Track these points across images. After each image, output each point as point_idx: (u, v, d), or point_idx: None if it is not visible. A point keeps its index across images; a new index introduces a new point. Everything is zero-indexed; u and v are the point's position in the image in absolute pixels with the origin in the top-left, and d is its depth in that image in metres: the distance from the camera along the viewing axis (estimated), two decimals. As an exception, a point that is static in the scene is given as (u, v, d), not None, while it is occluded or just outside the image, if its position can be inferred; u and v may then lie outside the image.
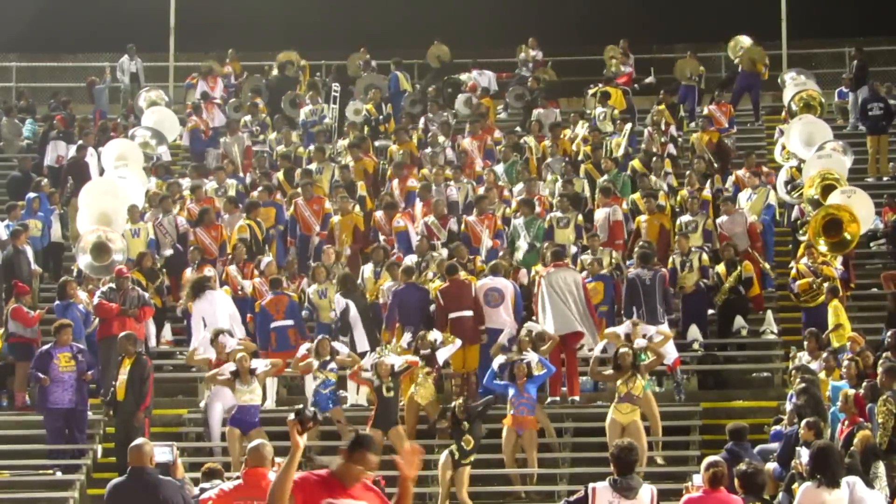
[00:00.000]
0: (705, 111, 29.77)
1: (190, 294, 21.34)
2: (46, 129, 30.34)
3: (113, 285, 21.16)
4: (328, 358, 19.81)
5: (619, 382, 18.76)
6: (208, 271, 22.28)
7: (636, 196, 24.40)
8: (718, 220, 23.67)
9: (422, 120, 29.81)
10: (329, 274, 22.22)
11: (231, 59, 33.82)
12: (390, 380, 18.98)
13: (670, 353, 20.60)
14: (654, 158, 25.94)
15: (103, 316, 20.97)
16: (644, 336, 19.61)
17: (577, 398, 20.59)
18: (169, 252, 23.95)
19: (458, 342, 20.27)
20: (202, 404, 20.98)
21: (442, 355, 20.08)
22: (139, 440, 11.61)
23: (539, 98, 30.99)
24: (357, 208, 24.53)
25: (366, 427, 19.01)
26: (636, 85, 32.69)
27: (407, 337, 20.70)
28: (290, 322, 21.12)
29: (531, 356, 19.20)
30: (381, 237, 24.05)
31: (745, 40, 32.14)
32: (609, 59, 33.02)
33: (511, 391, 18.99)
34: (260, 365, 19.36)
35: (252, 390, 19.04)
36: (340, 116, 30.47)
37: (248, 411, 19.01)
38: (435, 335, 20.16)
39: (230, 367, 19.20)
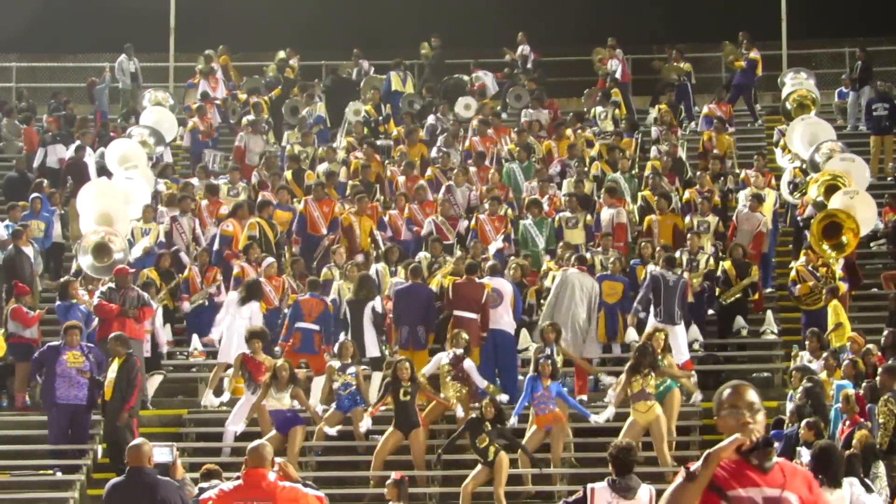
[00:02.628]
0: (705, 109, 29.76)
1: (245, 295, 21.21)
2: (42, 131, 30.30)
3: (112, 285, 21.13)
4: (349, 361, 19.82)
5: (633, 381, 18.62)
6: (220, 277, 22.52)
7: (647, 193, 24.43)
8: (738, 209, 23.74)
9: (430, 118, 29.75)
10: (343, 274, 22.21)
11: (220, 54, 33.64)
12: (409, 384, 18.87)
13: (684, 354, 20.59)
14: (665, 158, 25.97)
15: (103, 316, 20.89)
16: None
17: (584, 398, 20.57)
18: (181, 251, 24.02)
19: (491, 389, 19.87)
20: (203, 403, 20.98)
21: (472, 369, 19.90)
22: (138, 440, 11.61)
23: (541, 96, 31.00)
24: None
25: (389, 427, 19.01)
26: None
27: (403, 335, 20.67)
28: (317, 327, 21.04)
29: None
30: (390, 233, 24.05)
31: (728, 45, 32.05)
32: (597, 61, 32.93)
33: (538, 386, 18.78)
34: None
35: (280, 398, 19.08)
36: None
37: (274, 415, 19.08)
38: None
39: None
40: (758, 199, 23.90)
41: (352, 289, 21.26)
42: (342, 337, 20.62)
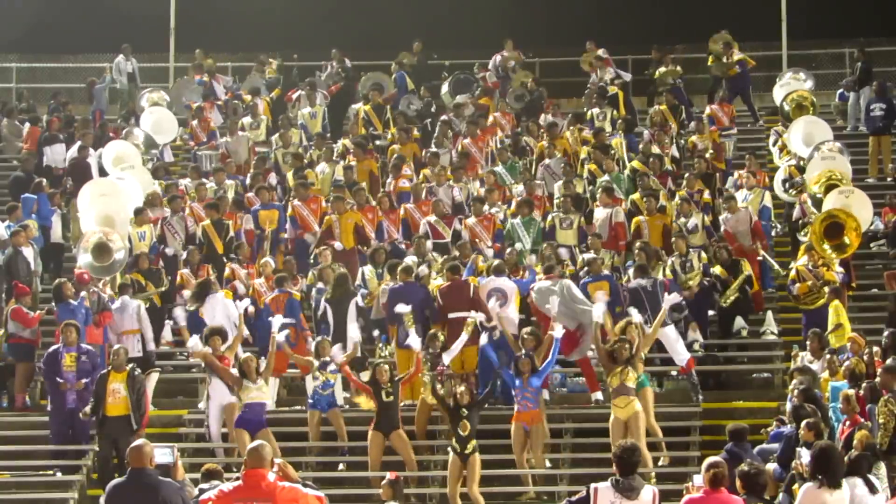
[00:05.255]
0: (707, 110, 29.70)
1: (192, 298, 21.33)
2: (43, 132, 30.26)
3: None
4: (328, 359, 19.79)
5: (611, 376, 18.68)
6: (212, 273, 22.49)
7: (636, 196, 24.39)
8: (722, 218, 23.71)
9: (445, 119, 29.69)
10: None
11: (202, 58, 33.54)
12: (389, 385, 18.93)
13: (682, 353, 20.59)
14: (651, 159, 25.88)
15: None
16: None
17: (599, 395, 20.53)
18: (171, 251, 23.98)
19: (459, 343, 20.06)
20: (202, 405, 20.97)
21: (447, 356, 19.94)
22: (139, 441, 11.59)
23: (543, 100, 30.94)
24: (354, 207, 24.41)
25: (368, 429, 19.01)
26: None
27: (401, 334, 20.65)
28: (290, 320, 21.05)
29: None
30: (386, 237, 24.03)
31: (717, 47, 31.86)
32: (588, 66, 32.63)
33: (516, 382, 18.94)
34: (260, 364, 19.43)
35: (259, 388, 19.08)
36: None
37: (255, 409, 19.01)
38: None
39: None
40: (732, 199, 23.84)
41: (329, 289, 21.28)
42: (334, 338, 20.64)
